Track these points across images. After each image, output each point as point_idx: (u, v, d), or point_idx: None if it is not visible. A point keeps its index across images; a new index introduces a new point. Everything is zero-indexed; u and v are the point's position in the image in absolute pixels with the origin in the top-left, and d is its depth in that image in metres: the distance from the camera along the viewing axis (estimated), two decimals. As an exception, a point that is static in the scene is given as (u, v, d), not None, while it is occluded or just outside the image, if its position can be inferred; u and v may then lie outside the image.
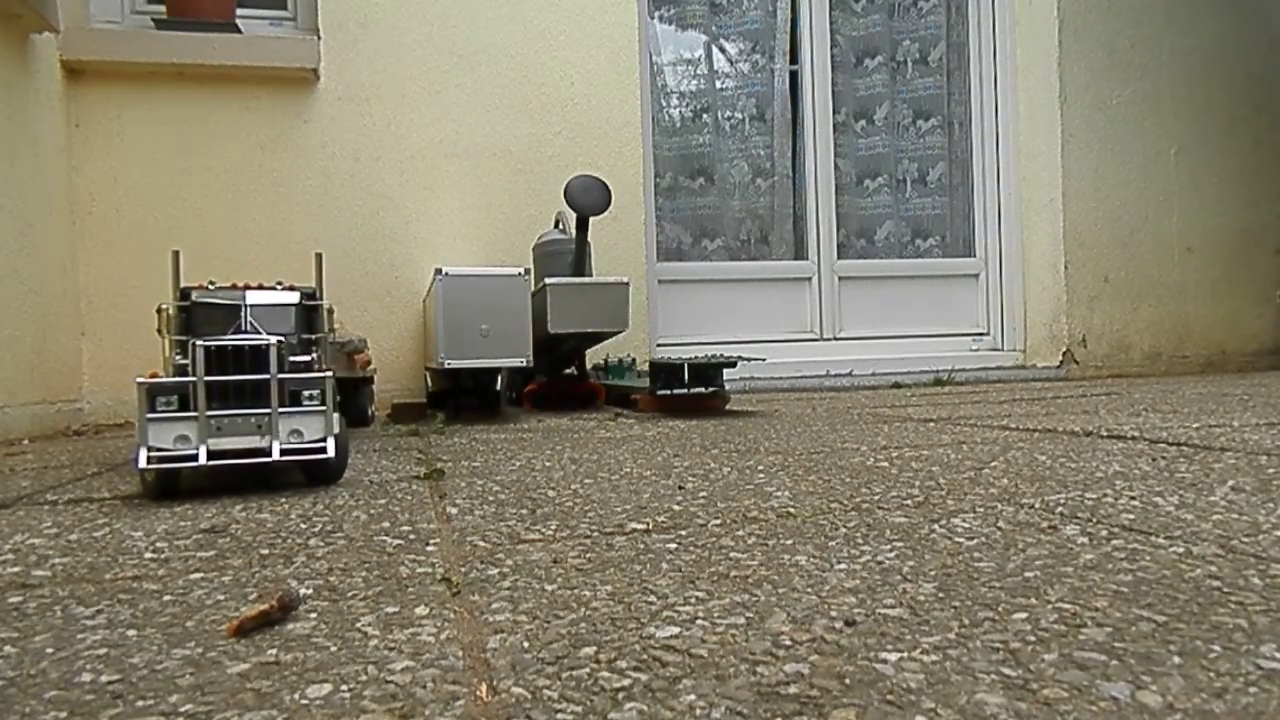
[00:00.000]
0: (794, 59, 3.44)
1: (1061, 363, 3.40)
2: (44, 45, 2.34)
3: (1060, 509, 0.84)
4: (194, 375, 1.07)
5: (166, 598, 0.63)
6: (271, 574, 0.69)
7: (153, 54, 2.53)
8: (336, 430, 1.14)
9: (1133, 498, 0.89)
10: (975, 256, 3.61)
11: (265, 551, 0.77)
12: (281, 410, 1.11)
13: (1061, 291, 3.38)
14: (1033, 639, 0.49)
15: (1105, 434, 1.45)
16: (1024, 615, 0.53)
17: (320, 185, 2.71)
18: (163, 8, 2.62)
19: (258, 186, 2.66)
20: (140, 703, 0.44)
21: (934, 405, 2.20)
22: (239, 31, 2.62)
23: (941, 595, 0.57)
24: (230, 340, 1.11)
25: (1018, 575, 0.61)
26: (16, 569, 0.73)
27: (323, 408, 1.13)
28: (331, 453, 1.12)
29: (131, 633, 0.55)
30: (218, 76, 2.60)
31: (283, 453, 1.10)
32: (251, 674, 0.47)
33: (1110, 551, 0.67)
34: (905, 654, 0.47)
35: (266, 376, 1.10)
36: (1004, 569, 0.63)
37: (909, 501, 0.90)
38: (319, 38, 2.69)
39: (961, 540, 0.72)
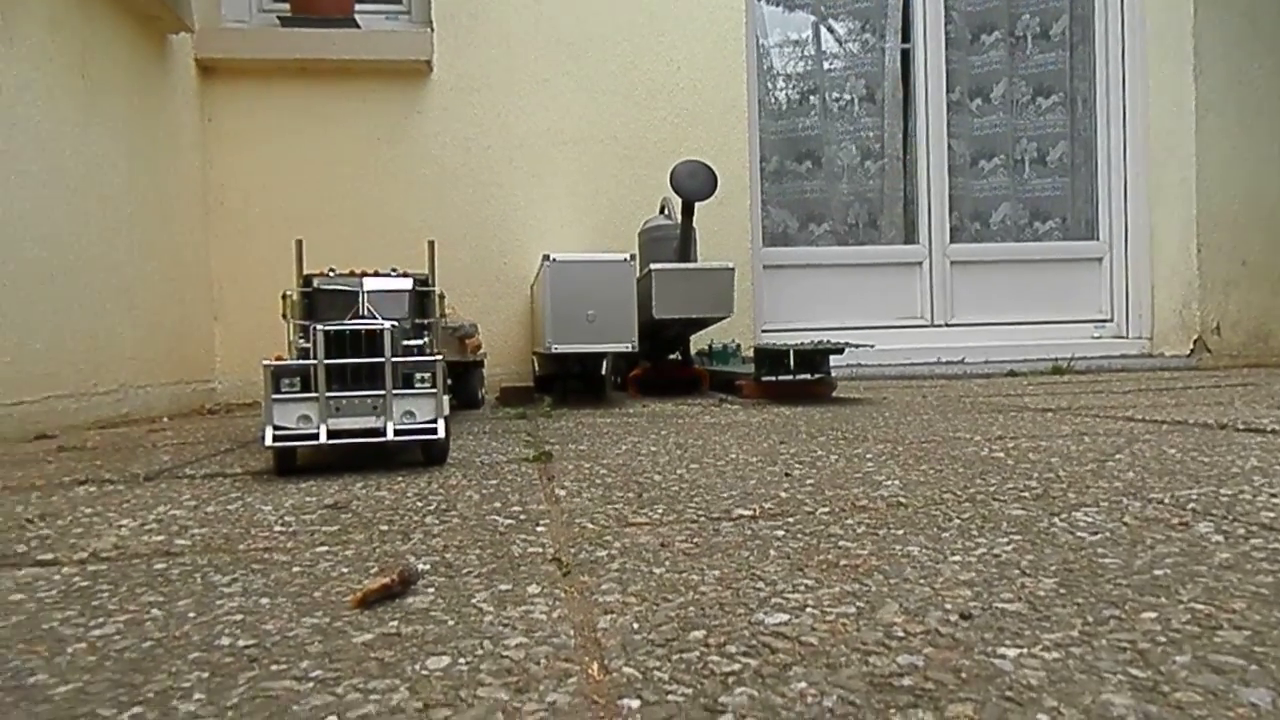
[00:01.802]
0: (905, 37, 3.34)
1: (1192, 351, 3.21)
2: (180, 45, 2.48)
3: (1192, 505, 0.79)
4: (314, 358, 1.12)
5: (295, 569, 0.66)
6: (391, 549, 0.72)
7: (278, 50, 2.65)
8: (446, 412, 1.17)
9: (1273, 495, 0.83)
10: (1099, 239, 3.44)
11: (384, 528, 0.80)
12: (395, 392, 1.14)
13: (1193, 276, 3.19)
14: (1163, 640, 0.46)
15: (1241, 427, 1.36)
16: (1153, 615, 0.50)
17: (433, 174, 2.78)
18: (287, 6, 2.74)
19: (374, 176, 2.76)
20: (274, 666, 0.46)
21: (1052, 394, 2.11)
22: (358, 26, 2.72)
23: (1063, 591, 0.55)
24: (348, 325, 1.15)
25: (1146, 573, 0.59)
26: (161, 538, 0.78)
27: (434, 390, 1.16)
28: (442, 433, 1.15)
29: (265, 600, 0.58)
30: (337, 71, 2.71)
31: (396, 433, 1.13)
32: (375, 644, 0.49)
33: (1249, 551, 0.63)
34: (1025, 650, 0.46)
35: (381, 360, 1.13)
36: (1131, 566, 0.60)
37: (1026, 494, 0.87)
38: (432, 30, 2.76)
39: (1084, 535, 0.69)
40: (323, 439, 1.11)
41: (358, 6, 2.77)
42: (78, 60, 1.92)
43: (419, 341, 1.28)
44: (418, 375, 1.16)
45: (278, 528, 0.81)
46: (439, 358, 1.19)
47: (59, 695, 0.44)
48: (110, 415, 2.00)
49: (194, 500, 0.97)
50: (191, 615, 0.56)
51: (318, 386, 1.11)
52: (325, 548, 0.73)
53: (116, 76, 2.09)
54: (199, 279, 2.59)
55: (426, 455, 1.20)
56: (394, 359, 1.14)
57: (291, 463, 1.15)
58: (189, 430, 1.81)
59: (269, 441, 1.10)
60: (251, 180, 2.70)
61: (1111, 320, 3.43)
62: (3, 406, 1.61)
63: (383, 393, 1.13)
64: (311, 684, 0.44)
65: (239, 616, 0.55)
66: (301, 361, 1.14)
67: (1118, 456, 1.10)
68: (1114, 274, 3.42)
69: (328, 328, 1.13)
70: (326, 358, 1.12)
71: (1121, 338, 3.40)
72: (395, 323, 1.18)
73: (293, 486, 1.04)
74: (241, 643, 0.50)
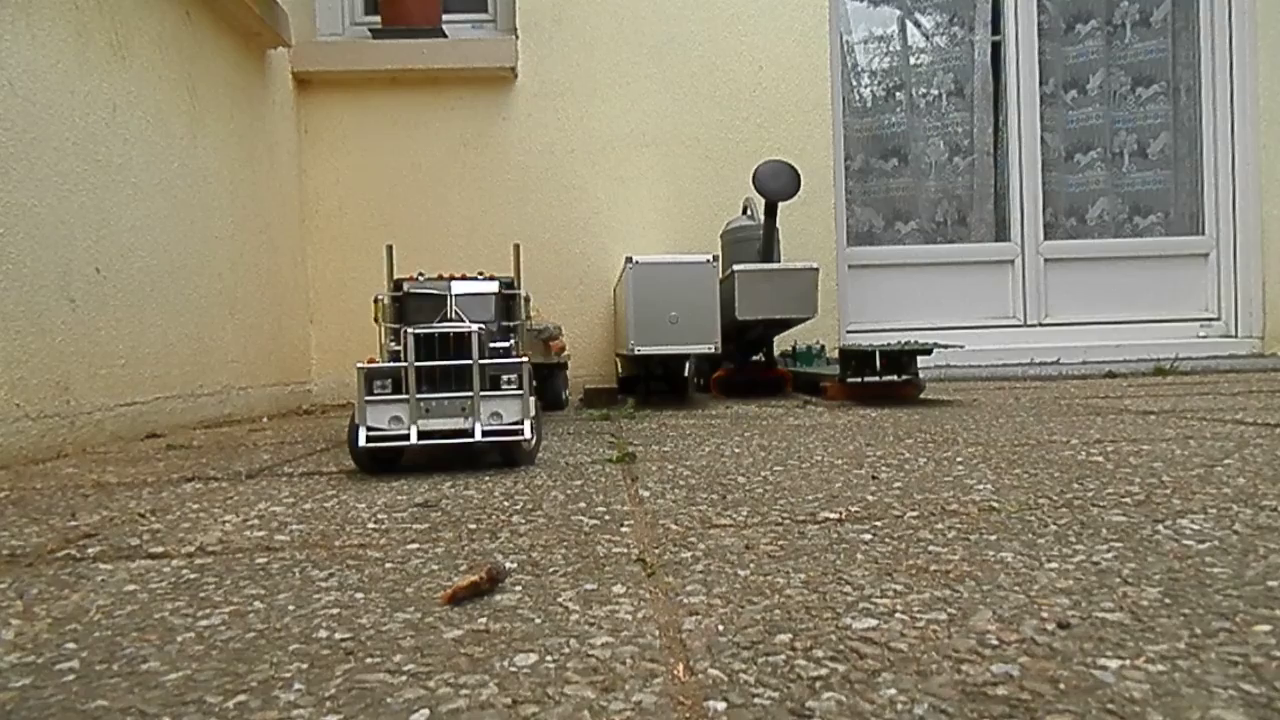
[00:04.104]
0: (995, 29, 3.25)
1: (1309, 351, 3.04)
2: (278, 59, 2.58)
3: (1310, 513, 0.75)
4: (405, 361, 1.14)
5: (388, 565, 0.68)
6: (479, 547, 0.73)
7: (370, 62, 2.73)
8: (533, 413, 1.18)
9: (1402, 504, 0.78)
10: (1204, 234, 3.28)
11: (472, 526, 0.81)
12: (482, 394, 1.15)
13: (1310, 271, 3.02)
14: (1278, 654, 0.44)
15: (1365, 431, 1.28)
16: (1267, 628, 0.48)
17: (517, 179, 2.83)
18: (378, 18, 2.82)
19: (460, 182, 2.82)
20: (369, 660, 0.48)
21: (1154, 396, 2.03)
22: (445, 36, 2.78)
23: (1168, 601, 0.53)
24: (437, 328, 1.17)
25: (1259, 584, 0.56)
26: (262, 533, 0.81)
27: (520, 391, 1.17)
28: (528, 435, 1.15)
29: (359, 595, 0.60)
30: (425, 80, 2.77)
31: (483, 434, 1.14)
32: (465, 640, 0.50)
33: (1374, 563, 0.60)
34: (1127, 661, 0.44)
35: (469, 362, 1.15)
36: (1242, 576, 0.58)
37: (1128, 499, 0.84)
38: (517, 37, 2.80)
39: (1190, 543, 0.66)
40: (414, 440, 1.13)
41: (445, 16, 2.84)
42: (185, 77, 2.01)
43: (505, 344, 1.29)
44: (504, 377, 1.16)
45: (371, 525, 0.83)
46: (524, 360, 1.19)
47: (169, 681, 0.46)
48: (214, 415, 2.09)
49: (292, 498, 1.00)
50: (291, 608, 0.58)
51: (408, 388, 1.13)
52: (416, 545, 0.75)
53: (220, 92, 2.19)
54: (296, 284, 2.68)
55: (514, 456, 1.20)
56: (481, 361, 1.15)
57: (386, 463, 1.18)
58: (287, 430, 1.88)
59: (363, 442, 1.12)
60: (344, 188, 2.79)
61: (1219, 319, 3.26)
62: (118, 406, 1.70)
63: (471, 394, 1.15)
64: (405, 677, 0.45)
65: (335, 610, 0.57)
66: (393, 364, 1.16)
67: (1226, 461, 1.05)
68: (1222, 270, 3.26)
69: (417, 330, 1.15)
70: (416, 360, 1.14)
71: (1230, 337, 3.23)
72: (482, 325, 1.19)
73: (385, 485, 1.07)
74: (338, 636, 0.52)
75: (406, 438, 1.13)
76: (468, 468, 1.19)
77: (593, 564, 0.67)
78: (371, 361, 1.17)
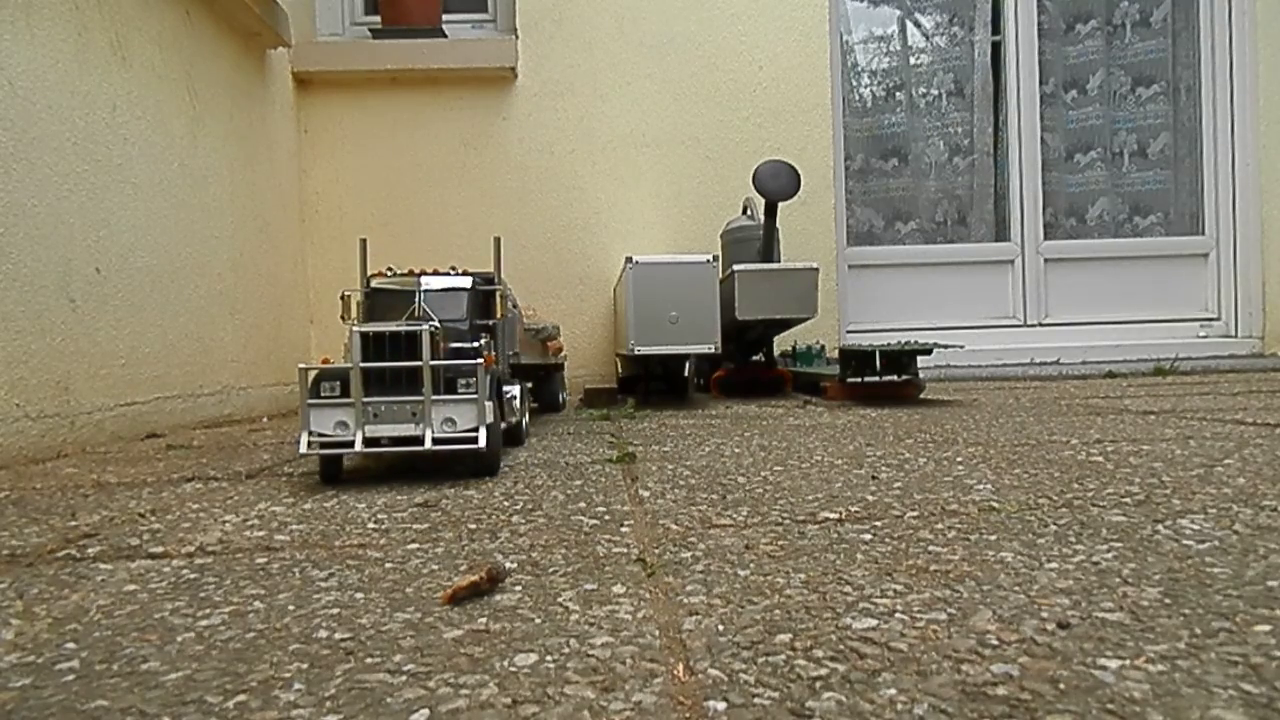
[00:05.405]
0: (996, 29, 3.25)
1: (1309, 351, 3.04)
2: (278, 59, 2.58)
3: (1310, 513, 0.75)
4: (351, 362, 1.06)
5: (388, 565, 0.68)
6: (479, 547, 0.73)
7: (370, 62, 2.73)
8: (489, 419, 1.09)
9: (1402, 504, 0.78)
10: (1204, 234, 3.28)
11: (473, 526, 0.81)
12: (435, 398, 1.06)
13: (1310, 271, 3.02)
14: (1278, 654, 0.44)
15: (1365, 431, 1.28)
16: (1267, 628, 0.48)
17: (517, 179, 2.83)
18: (378, 18, 2.82)
19: (461, 181, 2.82)
20: (369, 660, 0.48)
21: (1154, 397, 2.03)
22: (445, 36, 2.78)
23: (1168, 601, 0.53)
24: (386, 327, 1.08)
25: (1259, 584, 0.56)
26: (262, 533, 0.81)
27: (475, 396, 1.07)
28: (483, 443, 1.06)
29: (359, 595, 0.60)
30: (426, 80, 2.77)
31: (435, 441, 1.06)
32: (465, 640, 0.50)
33: (1374, 563, 0.60)
34: (1127, 661, 0.44)
35: (419, 364, 1.06)
36: (1242, 576, 0.57)
37: (1128, 499, 0.84)
38: (517, 37, 2.80)
39: (1190, 543, 0.66)
40: (358, 447, 1.05)
41: (445, 16, 2.84)
42: (185, 77, 2.01)
43: (476, 343, 1.20)
44: (460, 380, 1.07)
45: (370, 525, 0.83)
46: (479, 361, 1.10)
47: (169, 681, 0.46)
48: (214, 415, 2.09)
49: (292, 497, 1.00)
50: (291, 608, 0.58)
51: (354, 391, 1.05)
52: (416, 545, 0.75)
53: (220, 92, 2.19)
54: (296, 284, 2.68)
55: (470, 466, 1.11)
56: (433, 362, 1.06)
57: (337, 471, 1.11)
58: (287, 430, 1.88)
59: (303, 449, 1.05)
60: (344, 188, 2.79)
61: (1219, 319, 3.26)
62: (117, 406, 1.70)
63: (421, 398, 1.06)
64: (404, 677, 0.45)
65: (335, 610, 0.57)
66: (340, 365, 1.08)
67: (1226, 461, 1.05)
68: (1222, 270, 3.26)
69: (363, 329, 1.07)
70: (365, 361, 1.06)
71: (1230, 337, 3.23)
72: (437, 324, 1.12)
73: (384, 485, 1.07)
74: (338, 636, 0.52)
75: (351, 444, 1.05)
76: (428, 478, 1.13)
77: (593, 564, 0.66)
78: (325, 363, 1.10)
